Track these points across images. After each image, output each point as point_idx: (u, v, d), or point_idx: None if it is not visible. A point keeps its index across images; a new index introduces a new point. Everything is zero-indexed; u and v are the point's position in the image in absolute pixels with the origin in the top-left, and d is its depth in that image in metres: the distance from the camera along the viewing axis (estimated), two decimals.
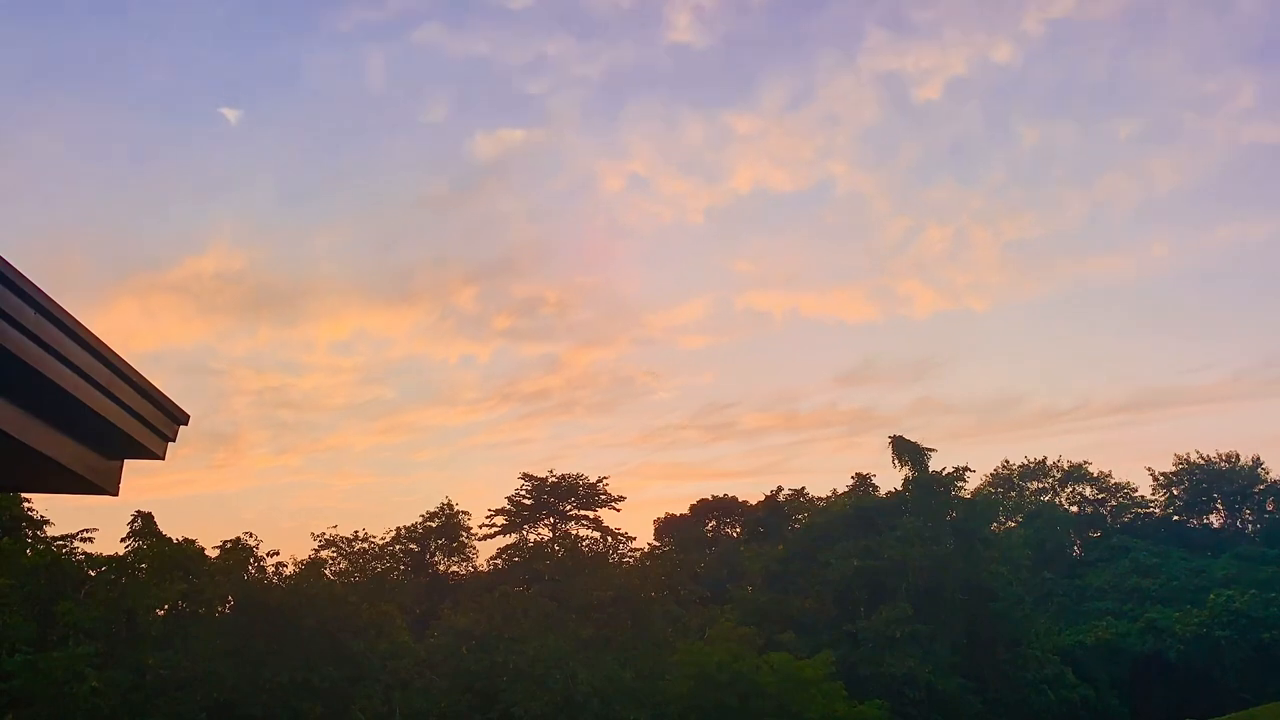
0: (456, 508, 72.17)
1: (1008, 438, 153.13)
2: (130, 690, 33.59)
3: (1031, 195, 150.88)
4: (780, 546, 67.99)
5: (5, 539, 36.61)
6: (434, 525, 71.41)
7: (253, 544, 40.22)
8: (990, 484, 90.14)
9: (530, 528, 72.72)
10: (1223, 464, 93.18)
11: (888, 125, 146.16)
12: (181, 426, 5.32)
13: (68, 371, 4.21)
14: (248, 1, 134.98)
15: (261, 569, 40.13)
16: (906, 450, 64.76)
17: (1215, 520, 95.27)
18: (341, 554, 52.65)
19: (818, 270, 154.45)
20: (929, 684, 52.24)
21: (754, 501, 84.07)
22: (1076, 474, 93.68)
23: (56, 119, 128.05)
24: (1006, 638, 59.03)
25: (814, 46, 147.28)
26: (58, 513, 43.42)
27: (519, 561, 65.73)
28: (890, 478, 79.87)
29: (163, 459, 5.29)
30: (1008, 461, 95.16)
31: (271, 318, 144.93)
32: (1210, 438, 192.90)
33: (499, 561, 69.60)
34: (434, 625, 49.08)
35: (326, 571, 43.79)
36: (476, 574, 70.90)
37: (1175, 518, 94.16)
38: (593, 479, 73.00)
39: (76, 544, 40.56)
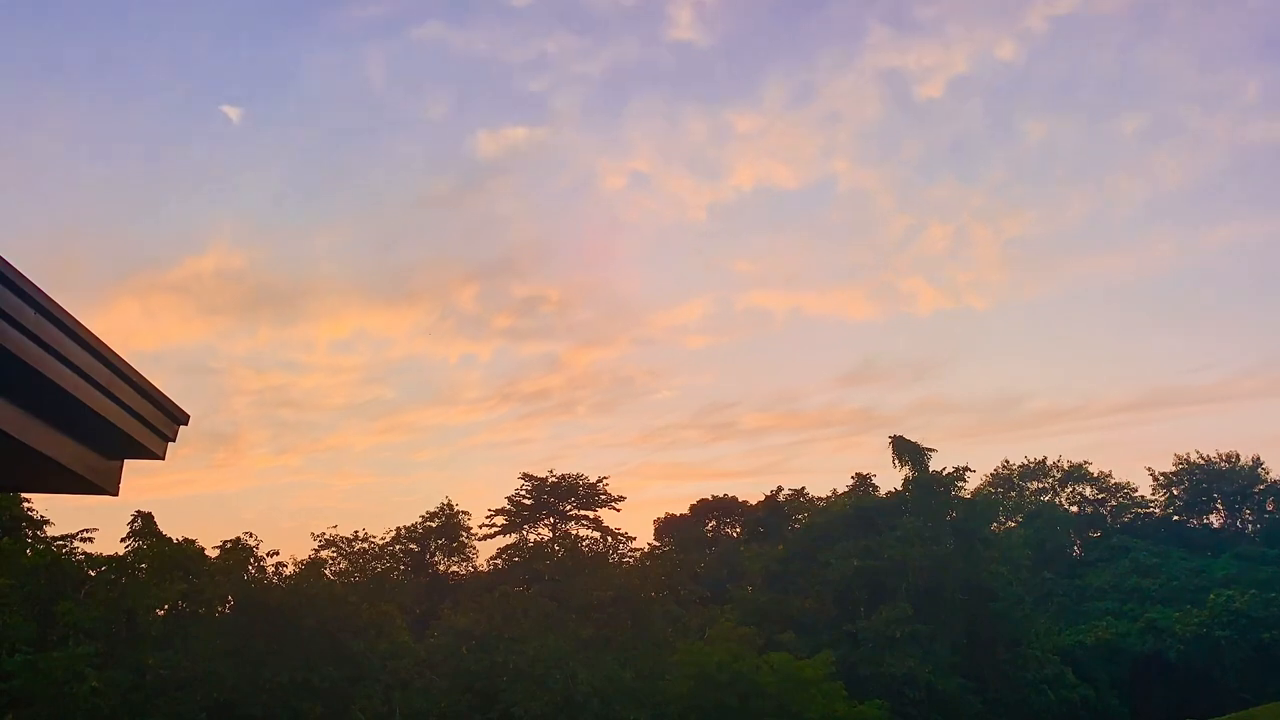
0: (456, 508, 72.28)
1: (1009, 437, 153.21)
2: (130, 690, 33.59)
3: (1033, 193, 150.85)
4: (780, 546, 68.00)
5: (5, 539, 36.60)
6: (434, 525, 71.43)
7: (253, 544, 40.25)
8: (990, 484, 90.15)
9: (530, 528, 72.73)
10: (1223, 464, 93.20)
11: (890, 123, 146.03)
12: (181, 426, 5.32)
13: (68, 371, 4.21)
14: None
15: (261, 569, 40.13)
16: (906, 450, 64.77)
17: (1215, 520, 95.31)
18: (341, 554, 52.64)
19: (819, 269, 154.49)
20: (929, 684, 52.24)
21: (754, 501, 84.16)
22: (1076, 474, 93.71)
23: (56, 118, 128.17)
24: (1006, 638, 59.04)
25: (816, 43, 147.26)
26: (58, 513, 43.47)
27: (519, 561, 65.73)
28: (890, 478, 79.95)
29: (163, 459, 5.29)
30: (1008, 461, 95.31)
31: (271, 317, 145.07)
32: (1213, 437, 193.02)
33: (499, 561, 69.61)
34: (434, 625, 49.09)
35: (326, 571, 43.78)
36: (476, 574, 70.91)
37: (1175, 518, 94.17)
38: (593, 479, 73.11)
39: (76, 544, 40.60)
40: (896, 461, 65.18)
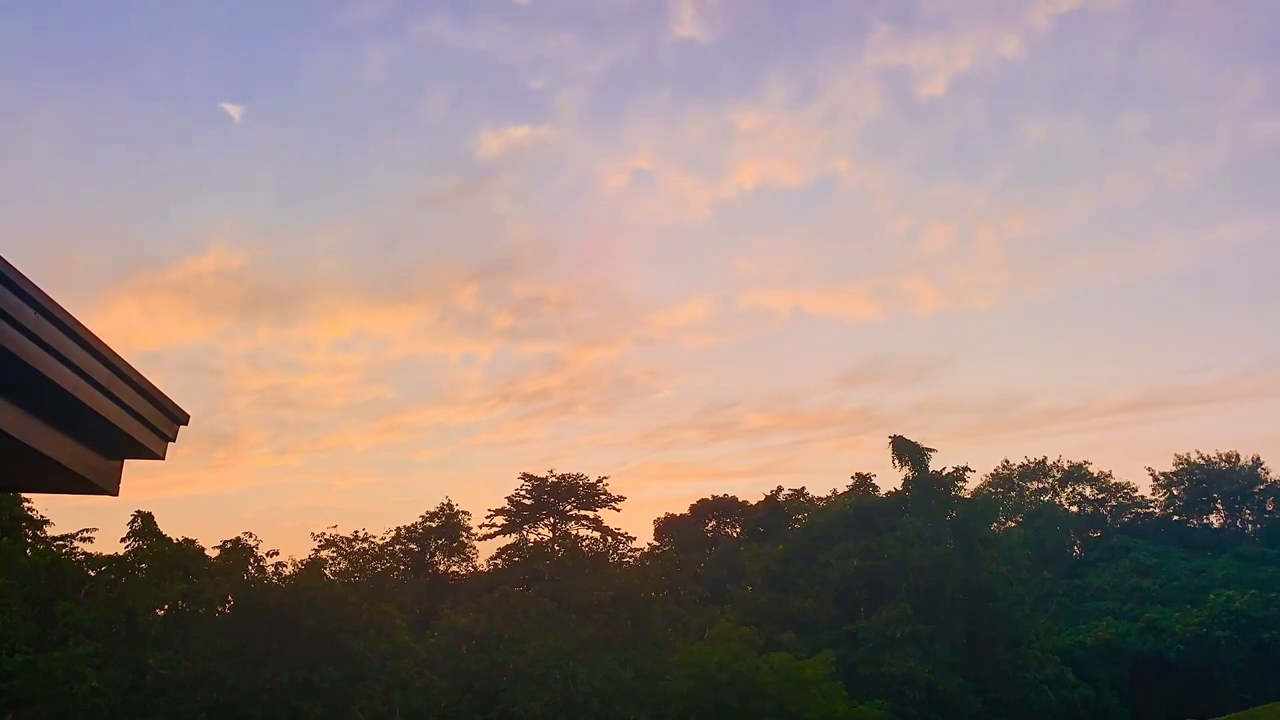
0: (456, 508, 72.29)
1: (1011, 437, 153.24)
2: (130, 690, 33.59)
3: (1036, 192, 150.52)
4: (780, 546, 67.98)
5: (5, 539, 36.59)
6: (434, 525, 71.44)
7: (253, 544, 40.28)
8: (990, 484, 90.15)
9: (530, 528, 72.74)
10: (1223, 464, 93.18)
11: (892, 121, 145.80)
12: (181, 426, 5.32)
13: (68, 371, 4.21)
14: None
15: (261, 569, 40.15)
16: (906, 450, 64.76)
17: (1215, 520, 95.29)
18: (341, 554, 52.67)
19: (820, 268, 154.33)
20: (929, 684, 52.23)
21: (754, 501, 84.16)
22: (1076, 474, 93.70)
23: (56, 117, 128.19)
24: (1006, 638, 59.03)
25: (818, 41, 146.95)
26: (58, 513, 43.50)
27: (519, 561, 65.73)
28: (890, 478, 80.00)
29: (163, 459, 5.29)
30: (1008, 461, 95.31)
31: (271, 317, 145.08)
32: (1215, 437, 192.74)
33: (499, 561, 69.61)
34: (434, 625, 49.08)
35: (326, 571, 43.81)
36: (476, 574, 70.91)
37: (1175, 518, 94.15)
38: (593, 479, 73.11)
39: (76, 544, 40.61)
40: (896, 461, 65.20)
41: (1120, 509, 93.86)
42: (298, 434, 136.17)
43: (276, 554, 41.06)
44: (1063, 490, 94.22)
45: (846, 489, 69.14)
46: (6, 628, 32.89)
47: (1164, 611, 69.98)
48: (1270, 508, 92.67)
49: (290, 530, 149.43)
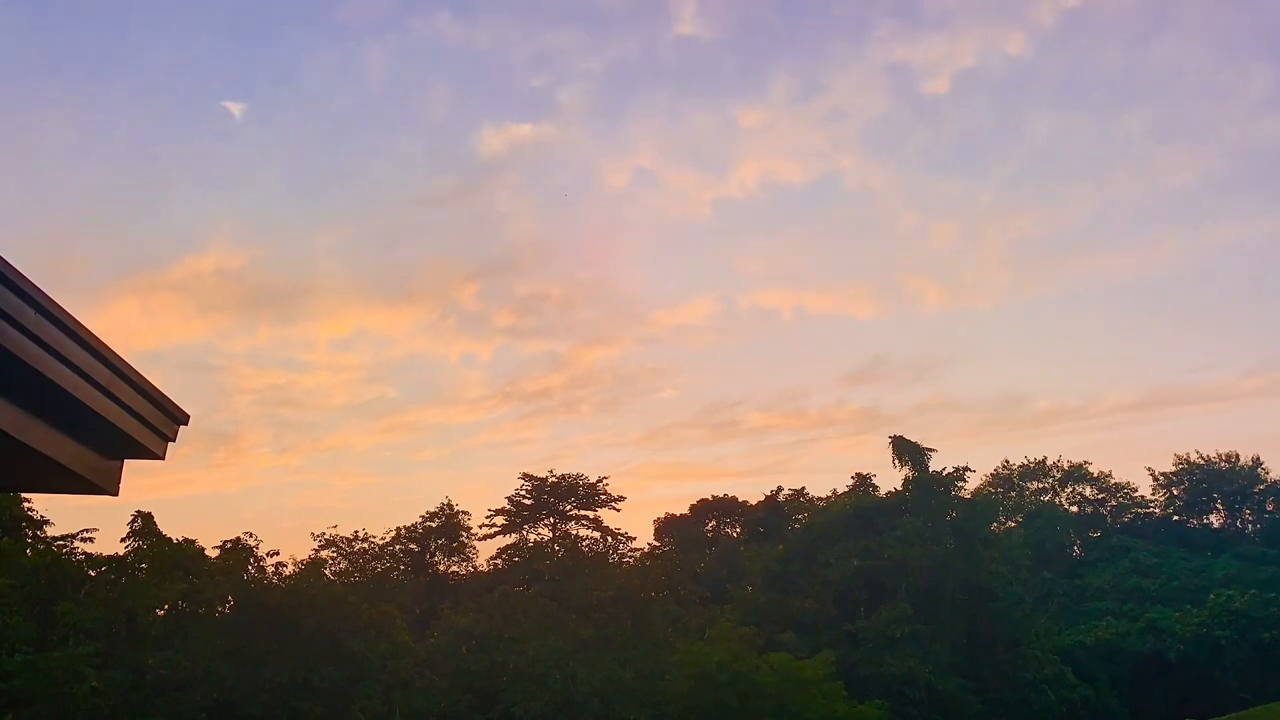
0: (456, 508, 72.31)
1: (1014, 436, 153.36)
2: (130, 690, 33.59)
3: (1040, 191, 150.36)
4: (780, 546, 67.97)
5: (5, 539, 36.61)
6: (434, 525, 71.45)
7: (253, 544, 40.27)
8: (990, 484, 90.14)
9: (530, 528, 72.74)
10: (1223, 464, 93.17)
11: (896, 119, 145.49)
12: (181, 426, 5.32)
13: (68, 371, 4.21)
14: None
15: (261, 569, 40.15)
16: (907, 450, 64.75)
17: (1215, 520, 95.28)
18: (341, 554, 52.64)
19: (823, 267, 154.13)
20: (929, 684, 52.23)
21: (755, 501, 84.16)
22: (1076, 474, 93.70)
23: (56, 115, 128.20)
24: (1006, 638, 59.02)
25: (822, 37, 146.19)
26: (58, 513, 43.46)
27: (519, 561, 65.72)
28: (891, 478, 79.93)
29: (163, 459, 5.29)
30: (1008, 461, 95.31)
31: (272, 316, 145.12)
32: (1216, 437, 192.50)
33: (499, 561, 69.61)
34: (434, 625, 49.08)
35: (326, 571, 43.80)
36: (476, 574, 70.92)
37: (1175, 518, 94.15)
38: (593, 479, 73.12)
39: (76, 544, 40.57)
40: (896, 461, 65.19)
41: (1120, 509, 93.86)
42: (298, 433, 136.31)
43: (276, 554, 41.12)
44: (1063, 490, 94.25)
45: (846, 489, 69.17)
46: (6, 628, 32.89)
47: (1164, 611, 69.99)
48: (1270, 508, 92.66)
49: (290, 530, 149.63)
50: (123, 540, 40.65)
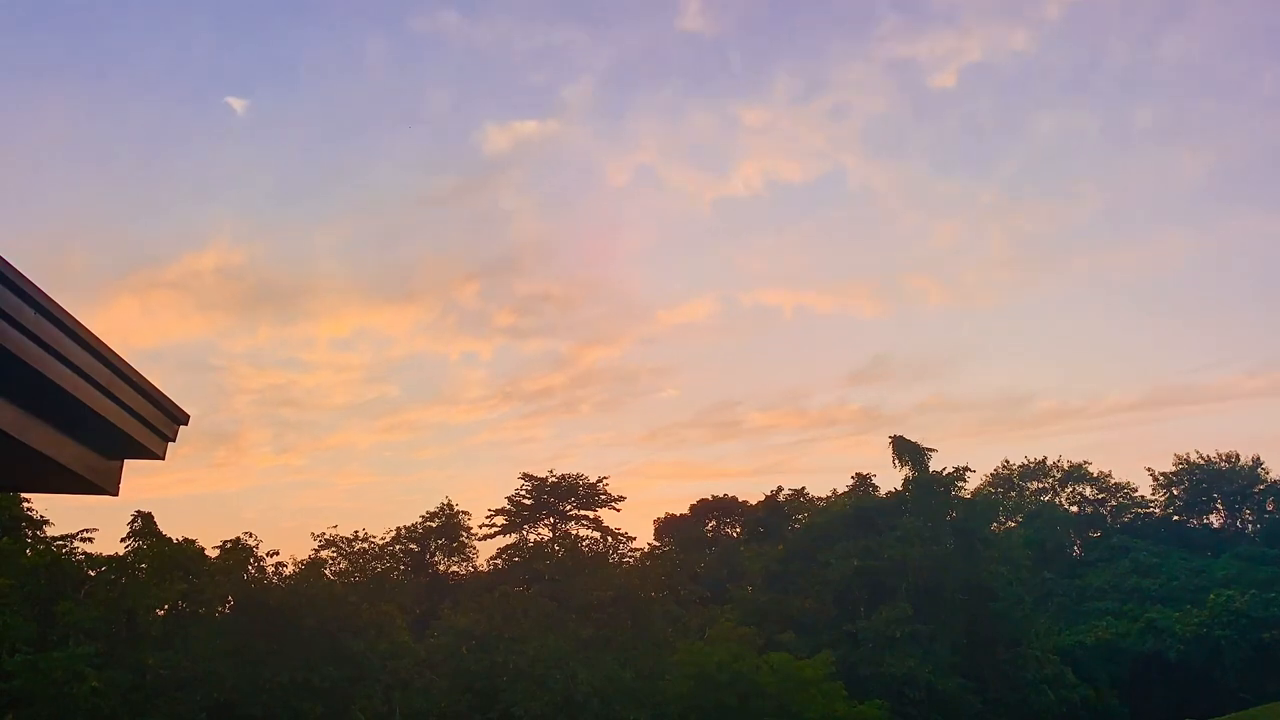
0: (456, 507, 72.32)
1: (1016, 436, 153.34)
2: (130, 690, 33.59)
3: (1043, 189, 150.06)
4: (780, 546, 67.97)
5: (5, 539, 36.59)
6: (434, 525, 71.45)
7: (253, 544, 40.26)
8: (990, 484, 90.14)
9: (530, 528, 72.72)
10: (1223, 464, 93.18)
11: (900, 116, 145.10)
12: (181, 426, 5.31)
13: (68, 371, 4.20)
14: None
15: (261, 569, 40.13)
16: (907, 450, 64.75)
17: (1215, 520, 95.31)
18: (341, 554, 52.57)
19: (826, 266, 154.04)
20: (929, 684, 52.23)
21: (755, 501, 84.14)
22: (1076, 474, 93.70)
23: (55, 113, 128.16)
24: (1006, 638, 59.01)
25: (826, 32, 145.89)
26: (58, 513, 43.50)
27: (519, 561, 65.71)
28: (891, 478, 79.91)
29: (163, 459, 5.29)
30: (1008, 461, 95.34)
31: (272, 315, 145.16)
32: (1219, 437, 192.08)
33: (499, 561, 69.60)
34: (434, 625, 49.07)
35: (326, 571, 43.76)
36: (476, 574, 70.91)
37: (1175, 518, 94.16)
38: (593, 479, 73.09)
39: (76, 544, 40.57)
40: (896, 461, 65.19)
41: (1120, 509, 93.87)
42: (299, 433, 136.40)
43: (277, 554, 41.10)
44: (1063, 490, 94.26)
45: (846, 489, 69.15)
46: (6, 628, 32.87)
47: (1164, 611, 69.99)
48: (1270, 508, 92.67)
49: (291, 530, 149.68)
50: (123, 540, 40.69)
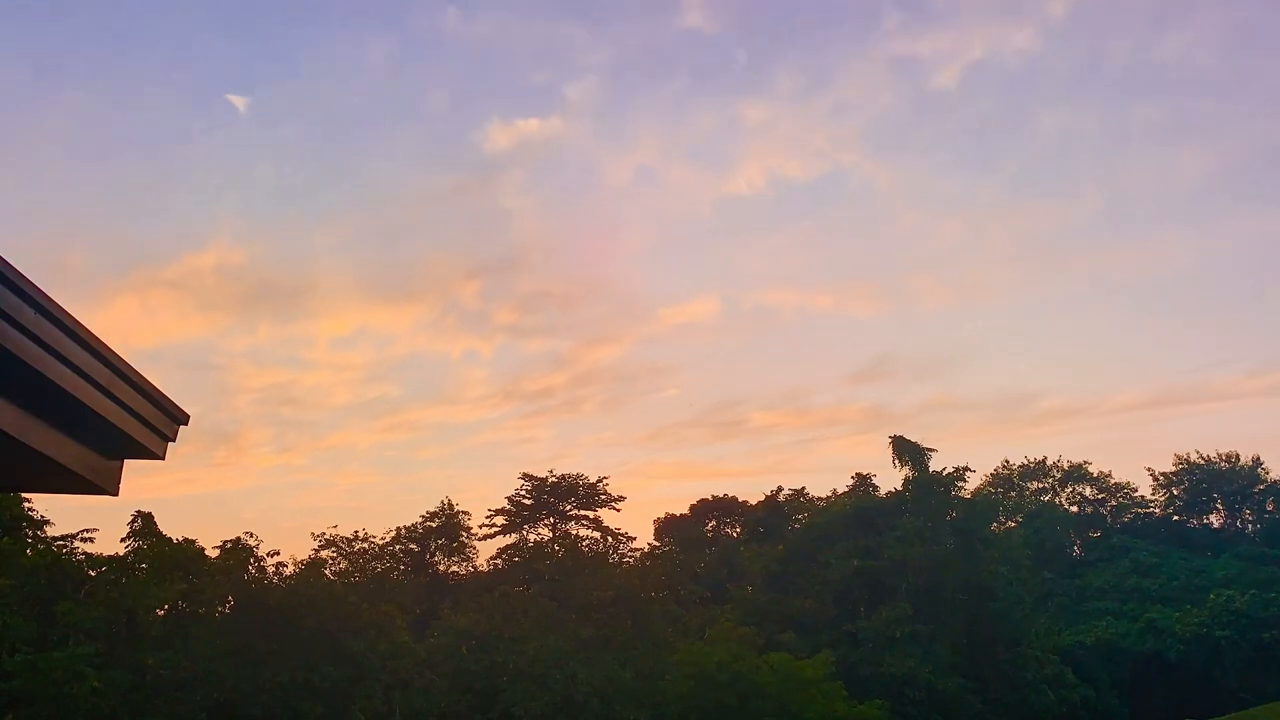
0: (456, 507, 72.33)
1: (1019, 436, 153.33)
2: (130, 690, 33.59)
3: (1045, 187, 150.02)
4: (780, 546, 67.97)
5: (5, 539, 36.60)
6: (434, 525, 71.46)
7: (253, 544, 40.27)
8: (990, 484, 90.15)
9: (530, 528, 72.72)
10: (1223, 464, 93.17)
11: (902, 114, 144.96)
12: (181, 426, 5.31)
13: (68, 371, 4.20)
14: None
15: (261, 569, 40.13)
16: (907, 450, 64.73)
17: (1215, 520, 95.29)
18: (342, 554, 52.61)
19: (828, 265, 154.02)
20: (929, 684, 52.23)
21: (756, 501, 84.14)
22: (1076, 474, 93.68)
23: (55, 113, 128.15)
24: (1006, 638, 59.01)
25: (828, 30, 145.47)
26: (58, 513, 43.51)
27: (519, 561, 65.72)
28: (891, 478, 79.97)
29: (163, 459, 5.29)
30: (1008, 461, 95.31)
31: (273, 314, 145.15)
32: (1220, 437, 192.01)
33: (499, 561, 69.60)
34: (434, 625, 49.07)
35: (326, 571, 43.78)
36: (476, 574, 70.91)
37: (1175, 518, 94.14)
38: (593, 479, 73.10)
39: (76, 544, 40.58)
40: (897, 461, 65.17)
41: (1120, 509, 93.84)
42: (299, 432, 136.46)
43: (277, 554, 41.11)
44: (1063, 490, 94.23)
45: (846, 489, 69.16)
46: (6, 628, 32.88)
47: (1164, 611, 69.99)
48: (1270, 508, 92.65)
49: (291, 530, 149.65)
50: (123, 540, 40.73)
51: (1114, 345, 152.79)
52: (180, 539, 40.24)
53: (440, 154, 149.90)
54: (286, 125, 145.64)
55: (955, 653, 55.95)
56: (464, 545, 72.47)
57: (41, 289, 3.90)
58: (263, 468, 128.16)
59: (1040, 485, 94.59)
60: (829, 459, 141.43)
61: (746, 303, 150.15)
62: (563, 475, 72.47)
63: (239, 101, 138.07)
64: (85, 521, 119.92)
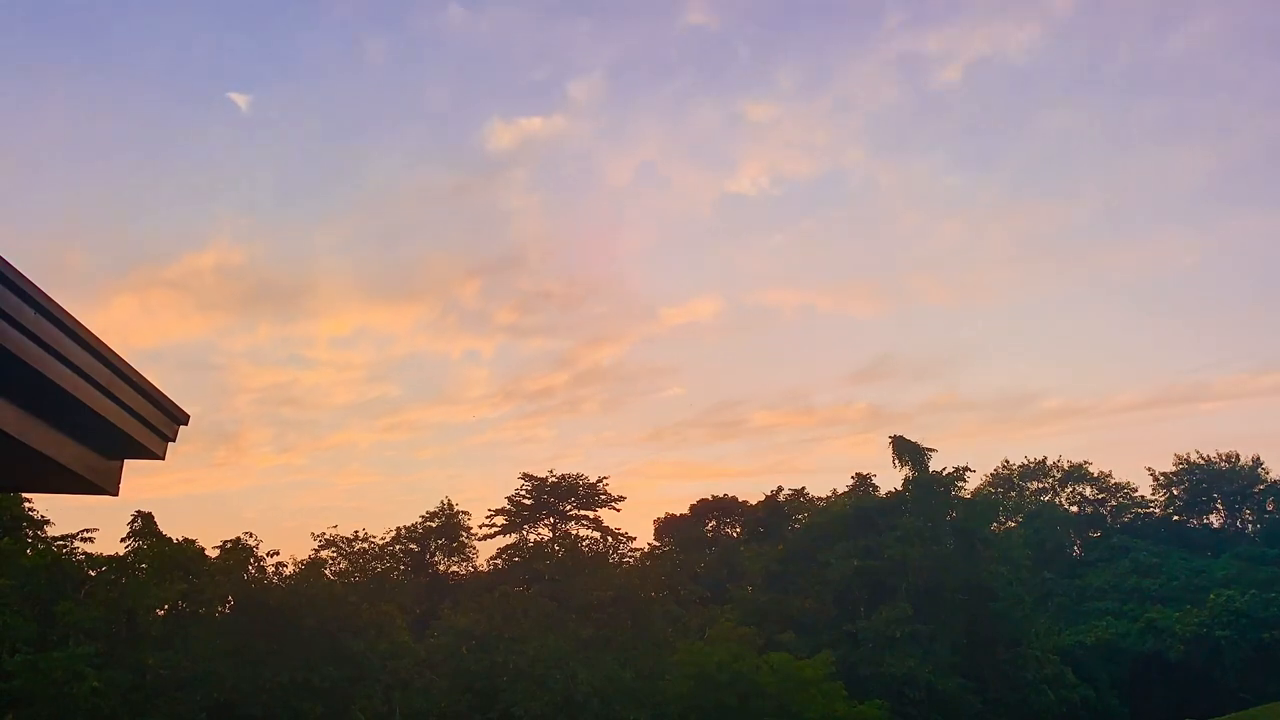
0: (456, 507, 72.34)
1: (1020, 435, 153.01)
2: (130, 690, 33.59)
3: (1046, 187, 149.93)
4: (780, 546, 67.96)
5: (5, 539, 36.61)
6: (434, 525, 71.46)
7: (253, 544, 40.29)
8: (990, 484, 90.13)
9: (530, 528, 72.73)
10: (1223, 464, 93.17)
11: (904, 112, 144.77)
12: (181, 426, 5.31)
13: (68, 371, 4.20)
14: None
15: (261, 569, 40.15)
16: (907, 450, 64.72)
17: (1215, 520, 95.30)
18: (342, 554, 52.60)
19: (830, 264, 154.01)
20: (929, 684, 52.23)
21: (756, 501, 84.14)
22: (1076, 474, 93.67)
23: (55, 113, 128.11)
24: (1006, 638, 59.01)
25: (831, 27, 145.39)
26: (58, 513, 43.53)
27: (519, 561, 65.72)
28: (891, 477, 79.95)
29: (163, 459, 5.29)
30: (1008, 461, 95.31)
31: (273, 314, 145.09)
32: (1220, 437, 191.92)
33: (499, 561, 69.60)
34: (434, 625, 49.08)
35: (326, 571, 43.80)
36: (476, 574, 70.92)
37: (1175, 518, 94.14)
38: (593, 479, 73.10)
39: (76, 544, 40.63)
40: (897, 461, 65.16)
41: (1120, 509, 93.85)
42: (299, 432, 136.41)
43: (277, 554, 41.17)
44: (1063, 490, 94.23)
45: (846, 489, 69.15)
46: (6, 628, 32.88)
47: (1164, 611, 69.98)
48: (1270, 508, 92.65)
49: (292, 530, 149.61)
50: (123, 540, 40.74)
51: (1114, 345, 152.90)
52: (180, 539, 40.28)
53: (441, 153, 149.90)
54: (287, 124, 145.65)
55: (955, 653, 55.95)
56: (464, 545, 72.50)
57: (41, 289, 3.90)
58: (263, 468, 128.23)
59: (1040, 485, 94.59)
60: (829, 459, 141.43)
61: (747, 302, 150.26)
62: (563, 475, 72.51)
63: (240, 100, 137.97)
64: (85, 521, 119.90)
